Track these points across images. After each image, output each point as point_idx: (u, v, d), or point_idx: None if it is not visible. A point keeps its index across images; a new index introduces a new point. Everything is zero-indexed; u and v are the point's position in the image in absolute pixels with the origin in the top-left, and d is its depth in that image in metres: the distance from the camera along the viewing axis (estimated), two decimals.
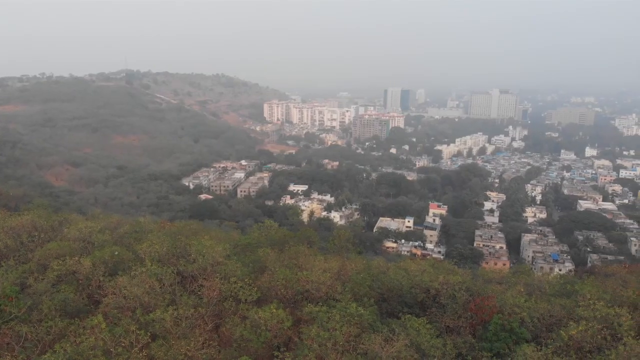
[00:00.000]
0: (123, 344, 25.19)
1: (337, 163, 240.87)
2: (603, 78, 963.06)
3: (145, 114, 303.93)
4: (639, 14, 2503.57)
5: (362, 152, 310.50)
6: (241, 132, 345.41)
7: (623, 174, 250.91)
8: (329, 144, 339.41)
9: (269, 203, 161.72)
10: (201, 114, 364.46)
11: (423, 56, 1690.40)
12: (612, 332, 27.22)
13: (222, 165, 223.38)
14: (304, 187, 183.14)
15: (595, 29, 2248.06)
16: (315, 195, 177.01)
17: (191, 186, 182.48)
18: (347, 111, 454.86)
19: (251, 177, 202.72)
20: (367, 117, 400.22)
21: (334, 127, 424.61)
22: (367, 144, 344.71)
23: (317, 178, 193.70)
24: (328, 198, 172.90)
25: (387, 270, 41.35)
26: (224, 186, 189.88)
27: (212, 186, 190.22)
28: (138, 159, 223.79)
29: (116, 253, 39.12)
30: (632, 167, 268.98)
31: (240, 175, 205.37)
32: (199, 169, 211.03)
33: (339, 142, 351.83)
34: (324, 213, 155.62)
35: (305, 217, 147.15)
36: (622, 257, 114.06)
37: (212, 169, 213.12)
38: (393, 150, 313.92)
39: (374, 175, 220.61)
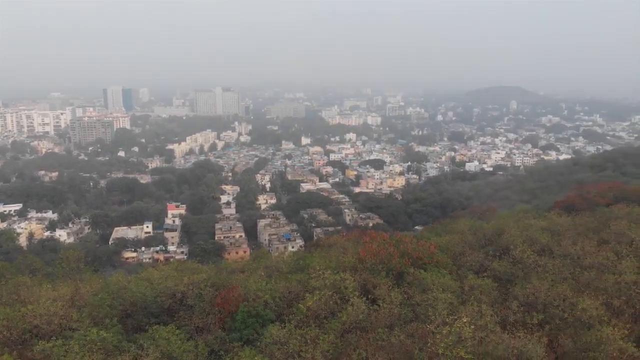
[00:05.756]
0: None
1: (56, 173, 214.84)
2: (309, 77, 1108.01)
3: None
4: (329, 29, 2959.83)
5: (86, 158, 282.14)
6: None
7: (332, 157, 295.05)
8: (44, 152, 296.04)
9: None
10: None
11: (143, 57, 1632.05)
12: (341, 295, 30.65)
13: None
14: (17, 207, 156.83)
15: (296, 40, 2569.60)
16: (33, 213, 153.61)
17: None
18: (62, 113, 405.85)
19: None
20: (87, 119, 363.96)
21: (47, 132, 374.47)
22: (90, 148, 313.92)
23: (33, 193, 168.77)
24: (50, 215, 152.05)
25: (128, 284, 38.58)
26: None
27: None
28: None
29: None
30: (339, 150, 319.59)
31: None
32: None
33: (56, 149, 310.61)
34: (47, 233, 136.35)
35: (23, 241, 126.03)
36: (339, 227, 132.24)
37: None
38: (121, 154, 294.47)
39: (102, 182, 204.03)
